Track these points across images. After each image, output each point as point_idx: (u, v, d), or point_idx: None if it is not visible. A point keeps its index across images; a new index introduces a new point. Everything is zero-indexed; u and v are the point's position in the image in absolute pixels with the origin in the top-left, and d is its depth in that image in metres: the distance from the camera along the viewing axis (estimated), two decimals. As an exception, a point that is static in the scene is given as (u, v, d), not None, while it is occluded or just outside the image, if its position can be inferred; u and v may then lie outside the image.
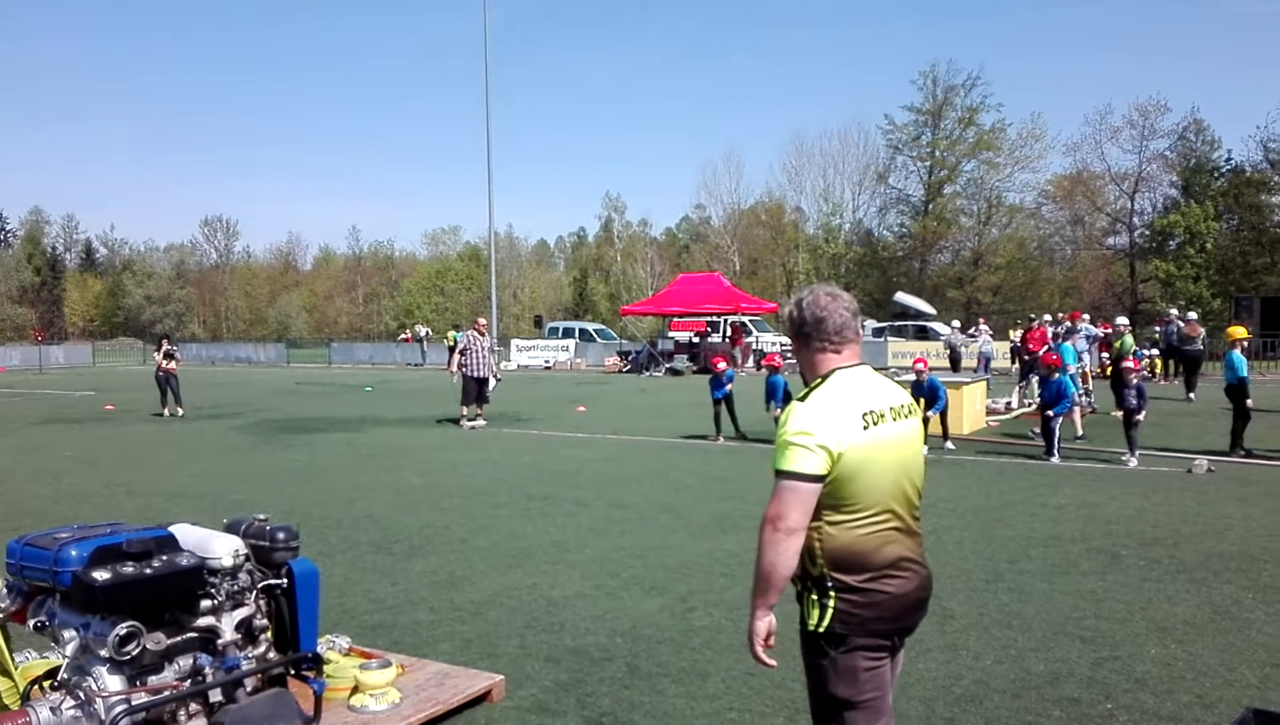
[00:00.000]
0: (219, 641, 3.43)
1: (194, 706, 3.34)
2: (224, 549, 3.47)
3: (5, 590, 3.47)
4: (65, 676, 3.23)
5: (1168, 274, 44.33)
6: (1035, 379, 16.24)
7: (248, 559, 3.55)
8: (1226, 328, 14.33)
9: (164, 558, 3.33)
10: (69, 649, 3.23)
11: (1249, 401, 11.42)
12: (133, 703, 3.14)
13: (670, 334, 35.13)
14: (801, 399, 2.50)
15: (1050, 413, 11.30)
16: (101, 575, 3.12)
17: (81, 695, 3.15)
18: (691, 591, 5.93)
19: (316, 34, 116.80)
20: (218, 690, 3.35)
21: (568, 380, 28.54)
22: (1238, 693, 4.23)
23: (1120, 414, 11.35)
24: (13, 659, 3.63)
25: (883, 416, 2.51)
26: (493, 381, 16.16)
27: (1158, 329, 25.44)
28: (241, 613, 3.51)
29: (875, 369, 2.70)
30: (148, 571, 3.23)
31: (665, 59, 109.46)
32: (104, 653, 3.13)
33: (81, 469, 11.45)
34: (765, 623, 2.51)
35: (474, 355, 15.61)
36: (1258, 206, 45.06)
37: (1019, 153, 50.97)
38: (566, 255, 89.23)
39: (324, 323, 78.63)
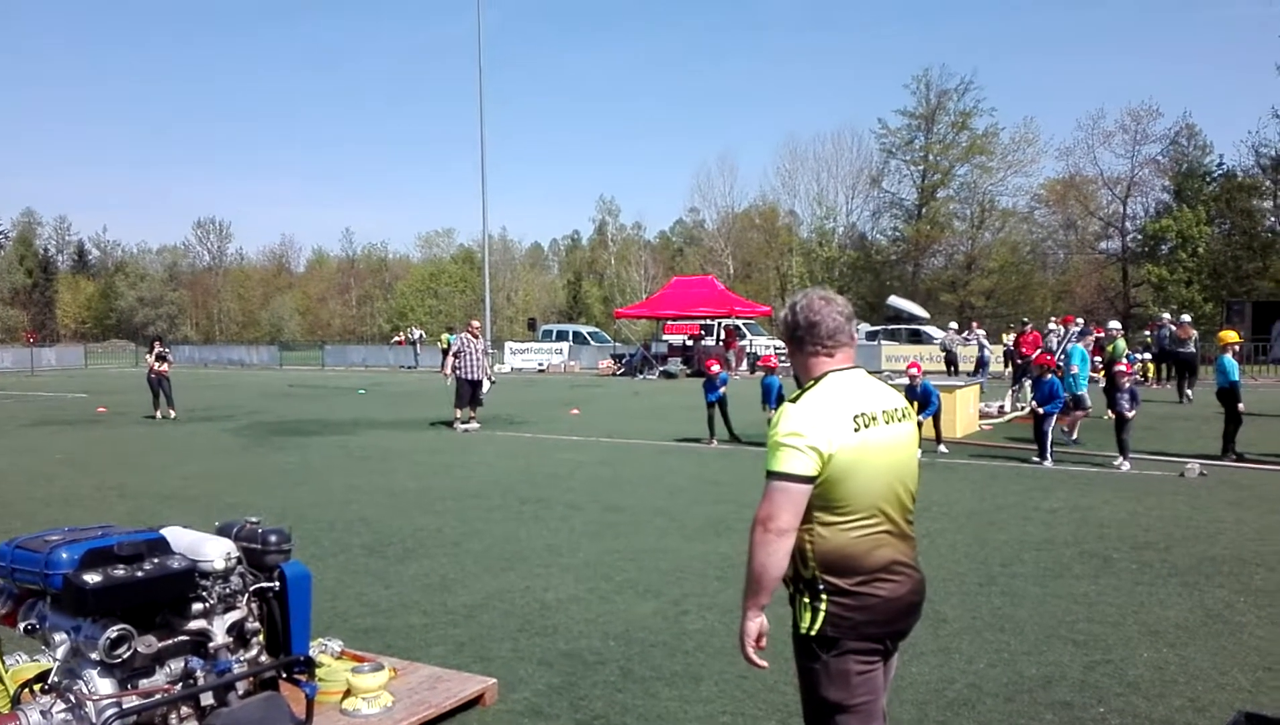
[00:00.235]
0: (210, 645, 3.42)
1: (185, 710, 3.32)
2: (216, 552, 3.46)
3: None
4: (56, 680, 3.22)
5: (1160, 278, 44.50)
6: (1028, 382, 16.27)
7: (239, 562, 3.54)
8: (1218, 332, 14.38)
9: (155, 561, 3.32)
10: (60, 652, 3.21)
11: (1240, 405, 11.45)
12: (124, 706, 3.13)
13: (664, 337, 35.14)
14: (793, 401, 2.51)
15: (1043, 412, 11.31)
16: (92, 578, 3.11)
17: (72, 698, 3.14)
18: (685, 595, 5.93)
19: (311, 36, 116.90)
20: (209, 694, 3.33)
21: (561, 383, 28.53)
22: (1230, 696, 4.24)
23: (1112, 417, 11.37)
24: (3, 662, 3.61)
25: (874, 419, 2.51)
26: (486, 384, 16.15)
27: (1147, 333, 25.54)
28: (233, 616, 3.50)
29: (868, 372, 2.70)
30: (139, 574, 3.22)
31: (659, 62, 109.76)
32: (95, 656, 3.12)
33: (73, 471, 11.41)
34: (756, 623, 2.51)
35: (468, 358, 15.59)
36: (1249, 211, 45.27)
37: (1012, 157, 51.25)
38: (560, 258, 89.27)
39: (317, 325, 78.48)
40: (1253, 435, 12.38)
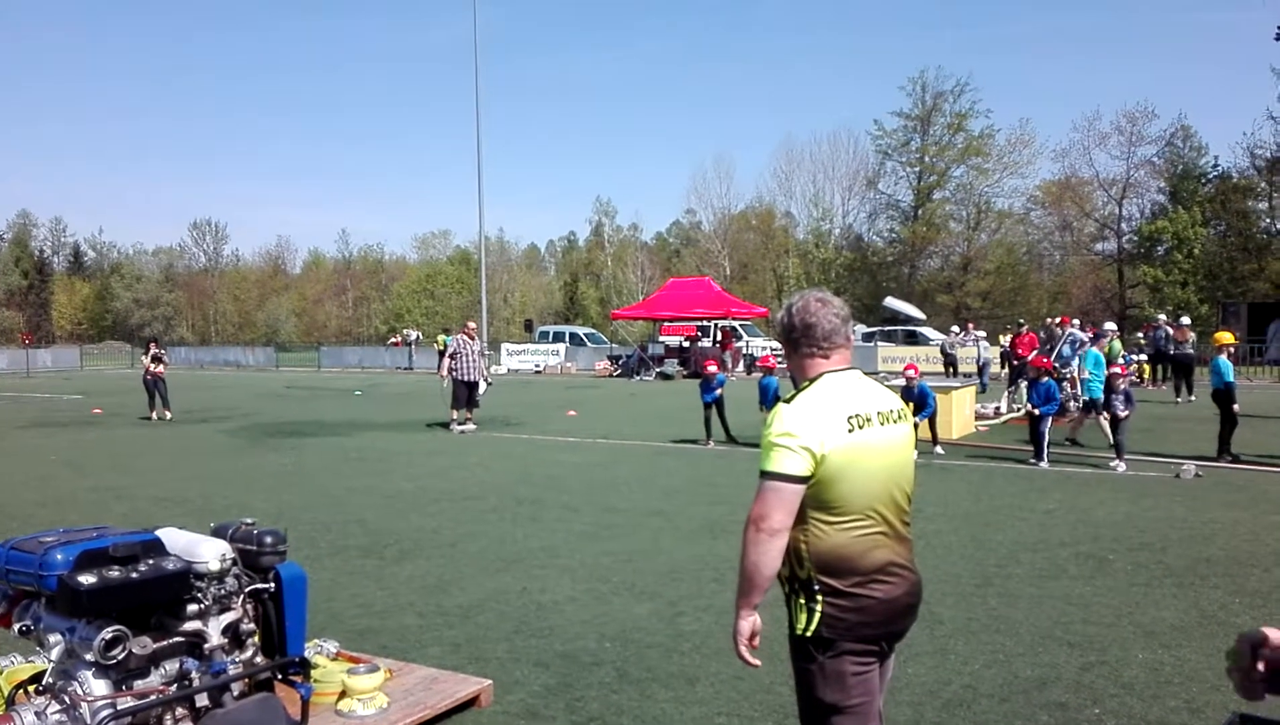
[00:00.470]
0: (205, 646, 3.41)
1: (180, 711, 3.32)
2: (211, 553, 3.45)
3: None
4: (50, 681, 3.21)
5: (1155, 279, 44.57)
6: (1024, 384, 16.29)
7: (235, 563, 3.53)
8: (1213, 333, 14.41)
9: (150, 562, 3.31)
10: (54, 653, 3.20)
11: (1235, 406, 11.48)
12: (118, 707, 3.12)
13: (661, 338, 35.14)
14: (787, 401, 2.52)
15: (1039, 413, 11.32)
16: (87, 579, 3.10)
17: (67, 699, 3.13)
18: (681, 596, 5.93)
19: (307, 37, 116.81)
20: (204, 695, 3.33)
21: (558, 384, 28.52)
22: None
23: (1107, 418, 11.38)
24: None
25: (869, 420, 2.51)
26: (483, 385, 16.14)
27: (1140, 335, 25.58)
28: (228, 617, 3.50)
29: (864, 374, 2.71)
30: (134, 575, 3.21)
31: (656, 64, 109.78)
32: (89, 657, 3.11)
33: (68, 473, 11.39)
34: (749, 623, 2.51)
35: (464, 359, 15.59)
36: (1244, 212, 45.35)
37: (1008, 159, 51.29)
38: (557, 259, 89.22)
39: (313, 326, 78.39)
40: (1248, 436, 12.40)
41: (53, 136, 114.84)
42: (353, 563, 6.89)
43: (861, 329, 35.04)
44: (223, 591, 3.48)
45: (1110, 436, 11.59)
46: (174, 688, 3.32)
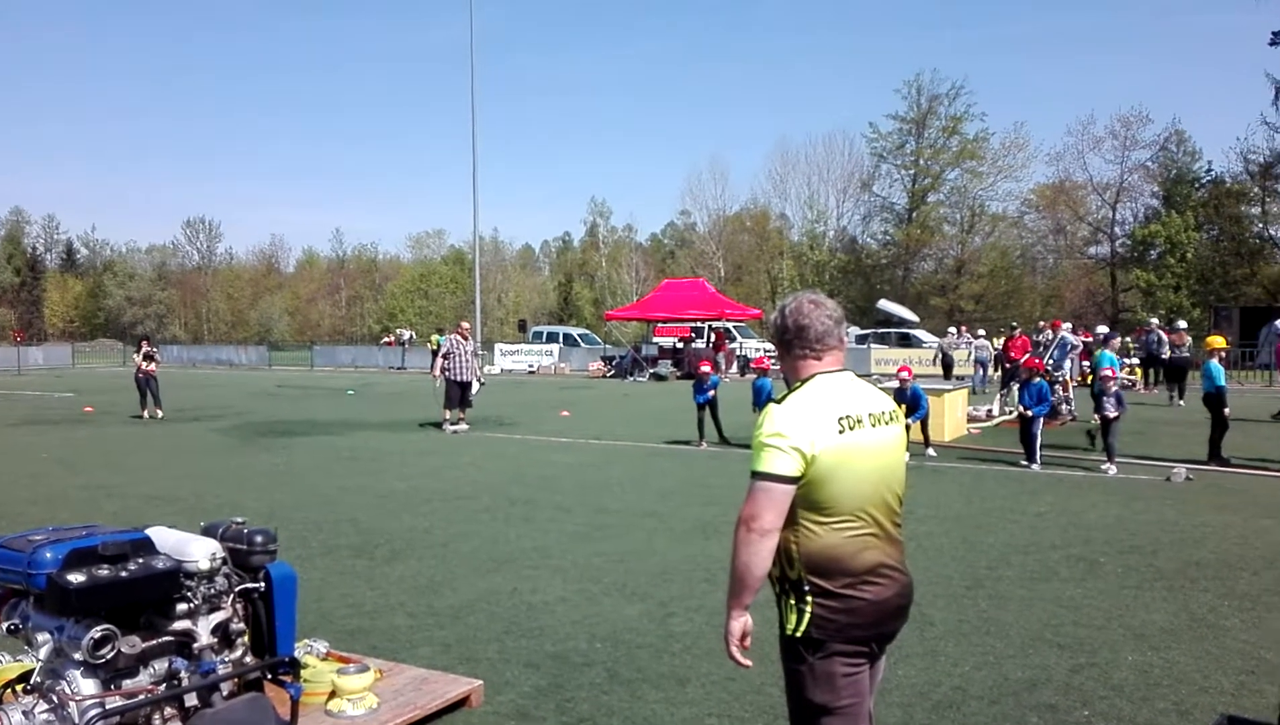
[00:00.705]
0: (195, 645, 3.40)
1: (169, 711, 3.31)
2: (201, 552, 3.44)
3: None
4: (38, 680, 3.20)
5: (1148, 283, 44.70)
6: (1016, 386, 16.33)
7: (225, 562, 3.52)
8: (1206, 337, 14.46)
9: (140, 561, 3.30)
10: (42, 652, 3.19)
11: (1226, 410, 11.52)
12: (107, 706, 3.11)
13: (654, 339, 35.15)
14: (778, 402, 2.52)
15: (1030, 415, 11.34)
16: (76, 578, 3.09)
17: (55, 699, 3.12)
18: (672, 597, 5.93)
19: (302, 36, 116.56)
20: (193, 694, 3.32)
21: (551, 385, 28.51)
22: (1213, 699, 4.26)
23: (1098, 422, 11.41)
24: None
25: (860, 422, 2.52)
26: (476, 386, 16.12)
27: (1129, 340, 25.64)
28: (218, 616, 3.49)
29: (857, 375, 2.71)
30: (123, 574, 3.20)
31: (651, 64, 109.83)
32: (78, 656, 3.10)
33: (59, 471, 11.35)
34: (740, 623, 2.52)
35: (457, 359, 15.57)
36: (1237, 217, 45.52)
37: (1002, 162, 51.46)
38: (551, 260, 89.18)
39: (306, 325, 78.23)
40: (1239, 440, 12.44)
41: (47, 133, 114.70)
42: (344, 562, 6.88)
43: (855, 331, 35.08)
44: (212, 591, 3.47)
45: (1102, 439, 11.62)
46: (163, 687, 3.30)
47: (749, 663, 2.55)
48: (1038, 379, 11.71)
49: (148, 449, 13.43)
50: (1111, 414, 11.06)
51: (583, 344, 39.15)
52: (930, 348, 30.14)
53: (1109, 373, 11.62)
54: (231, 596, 3.54)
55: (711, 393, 13.52)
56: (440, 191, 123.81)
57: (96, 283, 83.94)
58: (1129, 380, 20.46)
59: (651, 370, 31.15)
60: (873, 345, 33.05)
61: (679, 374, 30.05)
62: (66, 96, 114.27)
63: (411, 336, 42.26)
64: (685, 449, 13.23)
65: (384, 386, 27.85)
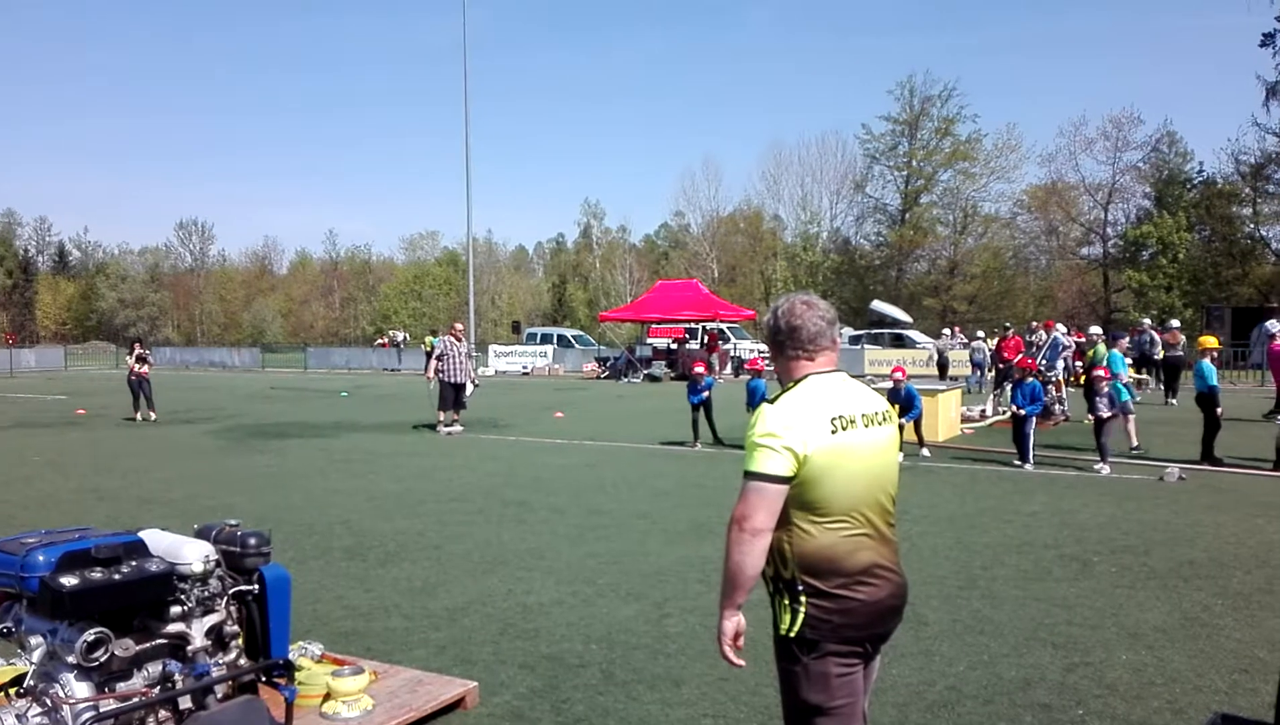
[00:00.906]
0: (189, 648, 3.39)
1: (163, 714, 3.30)
2: (194, 555, 3.44)
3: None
4: (32, 683, 3.19)
5: (1141, 284, 44.82)
6: (1009, 387, 16.37)
7: (218, 565, 3.52)
8: (1198, 337, 14.50)
9: (133, 563, 3.29)
10: (36, 655, 3.18)
11: (1219, 410, 11.55)
12: (100, 709, 3.10)
13: (648, 340, 35.15)
14: (771, 402, 2.52)
15: (1023, 414, 11.37)
16: (69, 581, 3.08)
17: (48, 702, 3.11)
18: (667, 598, 5.93)
19: (295, 38, 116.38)
20: (187, 697, 3.31)
21: (545, 386, 28.50)
22: (1207, 698, 4.28)
23: (1091, 421, 11.45)
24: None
25: (853, 422, 2.52)
26: (470, 387, 16.11)
27: (1120, 339, 25.69)
28: (212, 619, 3.48)
29: (851, 376, 2.71)
30: (116, 577, 3.19)
31: (644, 66, 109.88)
32: (71, 659, 3.09)
33: (51, 474, 11.31)
34: (733, 622, 2.52)
35: (451, 361, 15.56)
36: (1229, 218, 45.65)
37: (995, 163, 51.58)
38: (545, 261, 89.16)
39: (300, 327, 78.13)
40: (1231, 440, 12.48)
41: (38, 135, 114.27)
42: (338, 564, 6.87)
43: (848, 332, 35.14)
44: (206, 593, 3.46)
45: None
46: (157, 690, 3.30)
47: (742, 662, 2.55)
48: (1030, 379, 11.74)
49: (140, 452, 13.40)
50: (1105, 414, 11.10)
51: (576, 345, 39.14)
52: (924, 349, 30.19)
53: (1102, 372, 11.65)
54: (225, 599, 3.54)
55: (705, 394, 13.53)
56: (434, 193, 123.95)
57: (89, 285, 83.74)
58: (1140, 380, 20.54)
59: (645, 371, 31.15)
60: (866, 346, 33.10)
61: (673, 375, 30.05)
62: (59, 98, 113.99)
63: (405, 338, 42.18)
64: (679, 450, 13.23)
65: (377, 388, 27.81)
